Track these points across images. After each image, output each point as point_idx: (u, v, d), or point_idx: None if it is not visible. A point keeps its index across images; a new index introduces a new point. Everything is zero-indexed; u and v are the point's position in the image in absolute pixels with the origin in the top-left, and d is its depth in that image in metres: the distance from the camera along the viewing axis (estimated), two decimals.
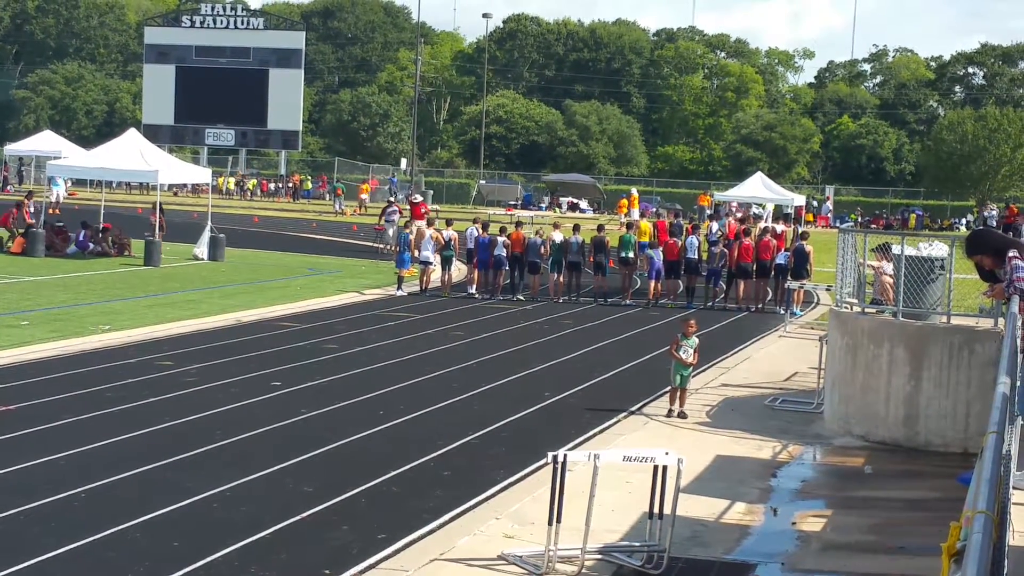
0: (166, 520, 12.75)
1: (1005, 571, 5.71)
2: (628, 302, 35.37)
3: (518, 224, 37.74)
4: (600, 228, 38.05)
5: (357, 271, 41.77)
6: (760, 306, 35.23)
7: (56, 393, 19.11)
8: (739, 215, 54.66)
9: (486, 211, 68.74)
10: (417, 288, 36.38)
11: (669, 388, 19.47)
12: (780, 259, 35.42)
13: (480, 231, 36.79)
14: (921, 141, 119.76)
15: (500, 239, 36.13)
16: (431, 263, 36.55)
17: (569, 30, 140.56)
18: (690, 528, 12.93)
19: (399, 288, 35.99)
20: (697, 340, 19.43)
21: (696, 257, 36.02)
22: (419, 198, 62.25)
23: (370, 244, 51.32)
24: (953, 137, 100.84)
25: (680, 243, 36.25)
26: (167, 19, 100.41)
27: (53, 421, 17.07)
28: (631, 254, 36.75)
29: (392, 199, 60.11)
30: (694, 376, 20.56)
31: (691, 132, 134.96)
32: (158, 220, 42.04)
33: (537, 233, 37.25)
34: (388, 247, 48.58)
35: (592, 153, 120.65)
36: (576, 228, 37.45)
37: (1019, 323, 11.17)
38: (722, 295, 36.14)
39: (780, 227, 41.60)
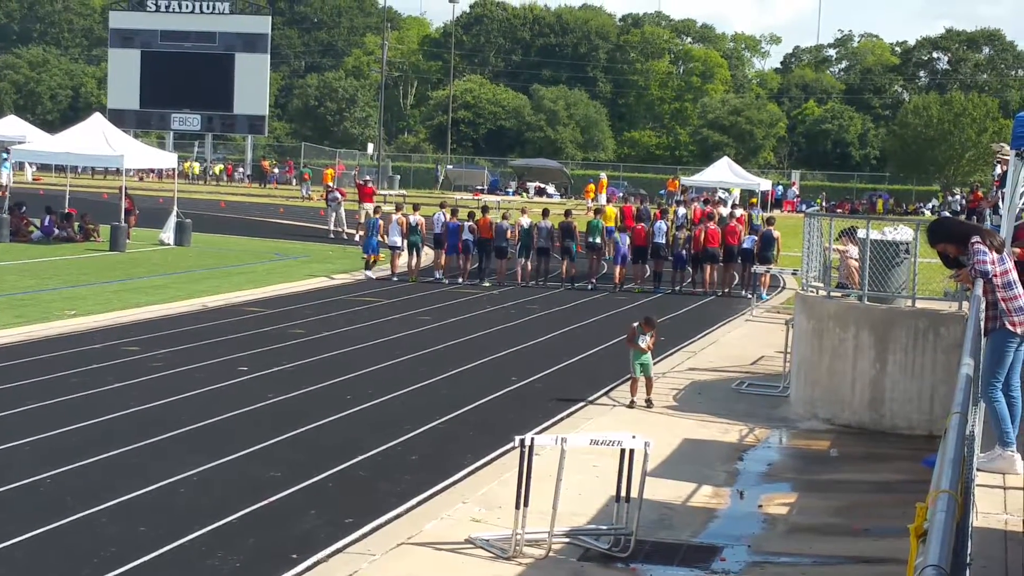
0: (132, 505, 12.71)
1: (969, 551, 5.75)
2: (591, 286, 35.41)
3: (484, 209, 37.70)
4: (568, 213, 38.10)
5: (324, 256, 41.68)
6: (727, 290, 35.36)
7: (21, 379, 19.00)
8: (703, 198, 54.87)
9: (453, 196, 68.74)
10: (385, 273, 36.36)
11: (630, 377, 19.23)
12: (746, 243, 35.59)
13: (448, 216, 36.77)
14: (886, 126, 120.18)
15: (467, 224, 36.19)
16: (399, 247, 36.51)
17: (535, 15, 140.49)
18: (657, 511, 12.97)
19: (366, 272, 35.97)
20: (654, 332, 19.28)
21: (664, 242, 36.08)
22: (367, 178, 63.35)
23: (336, 229, 51.25)
24: (919, 121, 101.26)
25: (648, 228, 36.35)
26: (132, 3, 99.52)
27: (18, 407, 16.99)
28: (598, 239, 36.89)
29: (332, 184, 61.00)
30: (661, 360, 20.51)
31: (657, 117, 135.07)
32: (123, 205, 41.92)
33: (504, 217, 37.21)
34: (336, 231, 49.92)
35: (559, 138, 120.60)
36: (545, 213, 37.45)
37: (982, 306, 11.24)
38: (689, 280, 36.26)
39: (739, 211, 42.13)
